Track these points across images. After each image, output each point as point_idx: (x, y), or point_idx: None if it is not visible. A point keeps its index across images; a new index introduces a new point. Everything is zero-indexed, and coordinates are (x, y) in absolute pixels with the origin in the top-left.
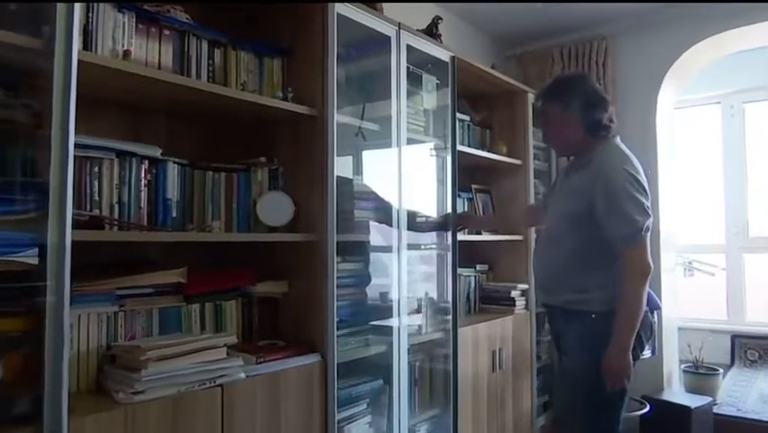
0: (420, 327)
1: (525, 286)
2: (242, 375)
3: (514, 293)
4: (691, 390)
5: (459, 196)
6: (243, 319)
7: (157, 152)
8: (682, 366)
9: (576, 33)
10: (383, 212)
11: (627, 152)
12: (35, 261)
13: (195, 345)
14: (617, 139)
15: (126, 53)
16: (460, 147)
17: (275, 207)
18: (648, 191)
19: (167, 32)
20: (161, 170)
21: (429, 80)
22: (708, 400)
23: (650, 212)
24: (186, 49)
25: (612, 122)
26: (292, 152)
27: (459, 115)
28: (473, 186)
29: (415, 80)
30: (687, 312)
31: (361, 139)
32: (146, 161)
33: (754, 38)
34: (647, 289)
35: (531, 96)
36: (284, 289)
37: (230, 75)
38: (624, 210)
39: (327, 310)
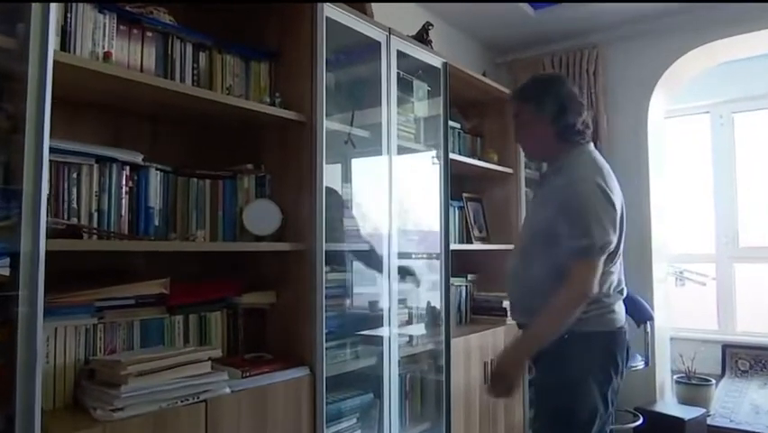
0: (411, 337)
1: None
2: (227, 390)
3: (505, 303)
4: (684, 401)
5: (450, 205)
6: (229, 331)
7: (138, 158)
8: (675, 377)
9: (567, 41)
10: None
11: (600, 161)
12: (6, 271)
13: (177, 360)
14: (591, 146)
15: (107, 55)
16: (451, 155)
17: (262, 216)
18: (616, 206)
19: (149, 34)
20: (143, 177)
21: (420, 87)
22: (701, 411)
23: (611, 233)
24: (169, 51)
25: (588, 127)
26: (279, 159)
27: (450, 123)
28: (464, 194)
29: (405, 87)
30: (679, 322)
31: (350, 147)
32: (127, 168)
33: (745, 47)
34: (577, 312)
35: None
36: (271, 299)
37: (215, 79)
38: (584, 223)
39: (316, 322)
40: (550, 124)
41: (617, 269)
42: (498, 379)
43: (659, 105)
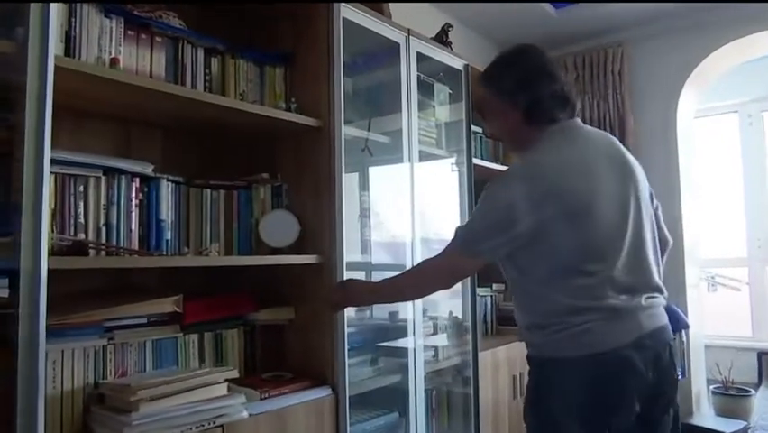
0: (436, 351)
1: None
2: (245, 414)
3: None
4: (722, 413)
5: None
6: (246, 350)
7: (148, 169)
8: (711, 387)
9: (590, 41)
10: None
11: (567, 144)
12: (5, 292)
13: (191, 382)
14: (572, 122)
15: (114, 61)
16: (474, 160)
17: (279, 227)
18: (530, 211)
19: (159, 39)
20: (154, 189)
21: (441, 90)
22: (741, 424)
23: (485, 240)
24: (180, 57)
25: (565, 100)
26: (296, 168)
27: (472, 127)
28: None
29: (426, 90)
30: (712, 329)
31: (367, 154)
32: (137, 179)
33: None
34: (411, 295)
35: None
36: (290, 315)
37: (228, 85)
38: (468, 221)
39: (337, 338)
40: (513, 106)
41: (602, 277)
42: (334, 297)
43: (688, 104)
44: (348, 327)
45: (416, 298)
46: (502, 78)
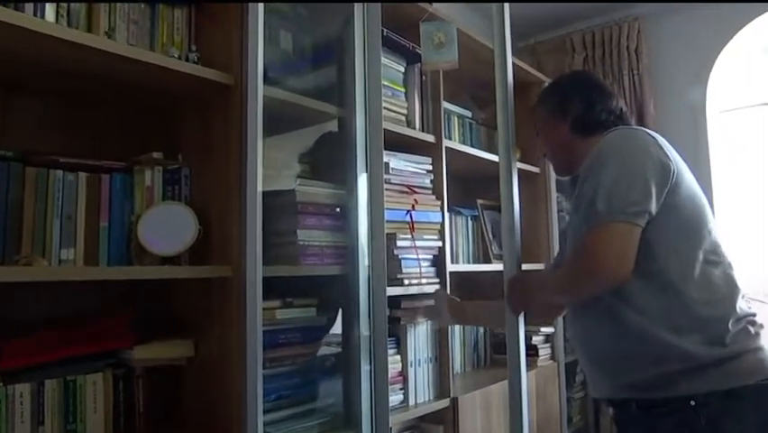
0: (405, 397)
1: (549, 330)
2: None
3: (536, 339)
4: None
5: (460, 213)
6: (117, 403)
7: None
8: None
9: (601, 15)
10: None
11: (640, 132)
12: None
13: None
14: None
15: None
16: (460, 146)
17: (169, 227)
18: (662, 165)
19: None
20: None
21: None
22: None
23: (640, 194)
24: None
25: (619, 118)
26: (203, 145)
27: (457, 109)
28: (479, 201)
29: (395, 49)
30: None
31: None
32: None
33: None
34: (577, 291)
35: None
36: (186, 352)
37: (98, 24)
38: (606, 182)
39: (248, 385)
40: (563, 118)
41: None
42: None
43: (718, 90)
44: (276, 364)
45: (574, 296)
46: (552, 93)
